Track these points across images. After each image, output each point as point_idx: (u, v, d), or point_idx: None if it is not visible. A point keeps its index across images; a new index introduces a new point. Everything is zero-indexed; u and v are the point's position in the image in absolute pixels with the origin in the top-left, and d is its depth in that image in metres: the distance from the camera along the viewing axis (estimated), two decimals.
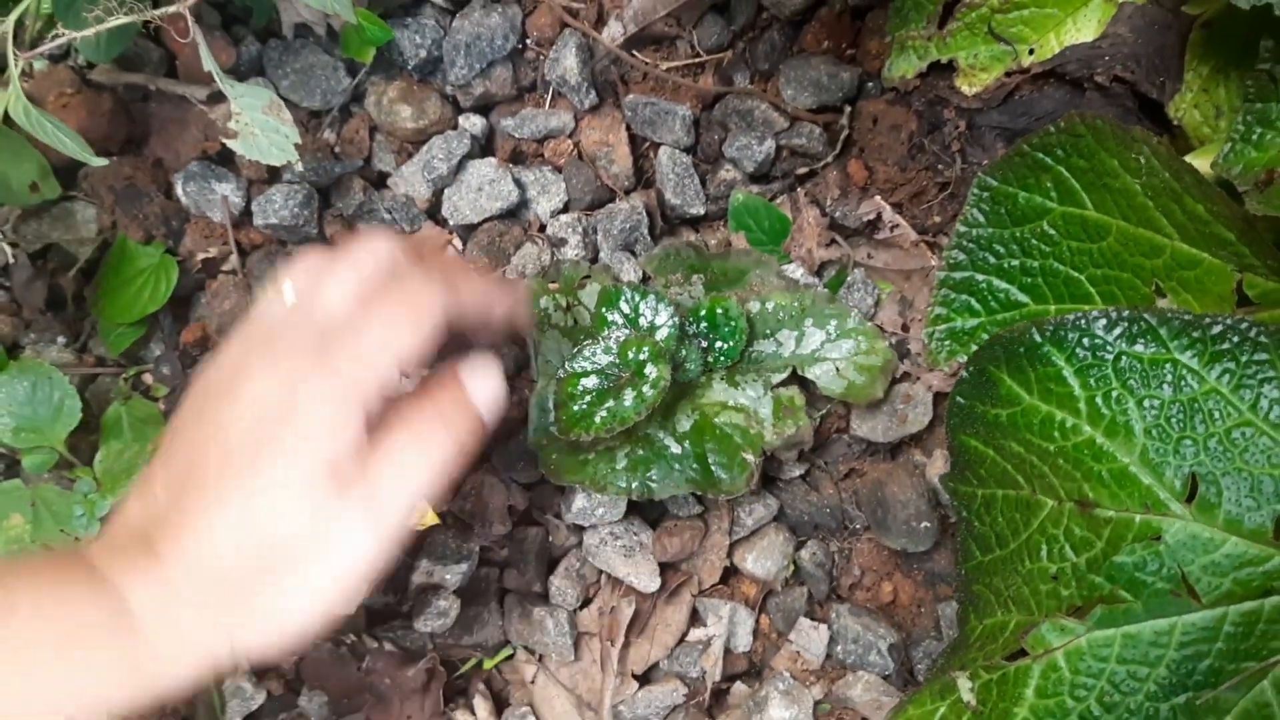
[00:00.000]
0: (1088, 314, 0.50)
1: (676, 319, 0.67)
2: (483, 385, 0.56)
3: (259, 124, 0.63)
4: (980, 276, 0.65)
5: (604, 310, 0.69)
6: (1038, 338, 0.51)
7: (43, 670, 0.46)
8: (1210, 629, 0.47)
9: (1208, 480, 0.47)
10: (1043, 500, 0.52)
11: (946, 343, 0.67)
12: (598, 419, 0.64)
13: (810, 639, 0.71)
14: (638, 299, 0.68)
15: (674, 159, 0.74)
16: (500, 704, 0.74)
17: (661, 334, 0.67)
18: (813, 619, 0.71)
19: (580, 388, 0.66)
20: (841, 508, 0.73)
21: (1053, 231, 0.63)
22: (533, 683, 0.73)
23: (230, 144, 0.64)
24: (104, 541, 0.51)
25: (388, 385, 0.51)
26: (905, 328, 0.72)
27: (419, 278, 0.55)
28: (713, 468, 0.66)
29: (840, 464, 0.73)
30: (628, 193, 0.76)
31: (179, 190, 0.76)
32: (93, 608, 0.48)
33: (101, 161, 0.64)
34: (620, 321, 0.68)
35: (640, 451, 0.67)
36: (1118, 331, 0.49)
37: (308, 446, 0.49)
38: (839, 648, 0.71)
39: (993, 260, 0.65)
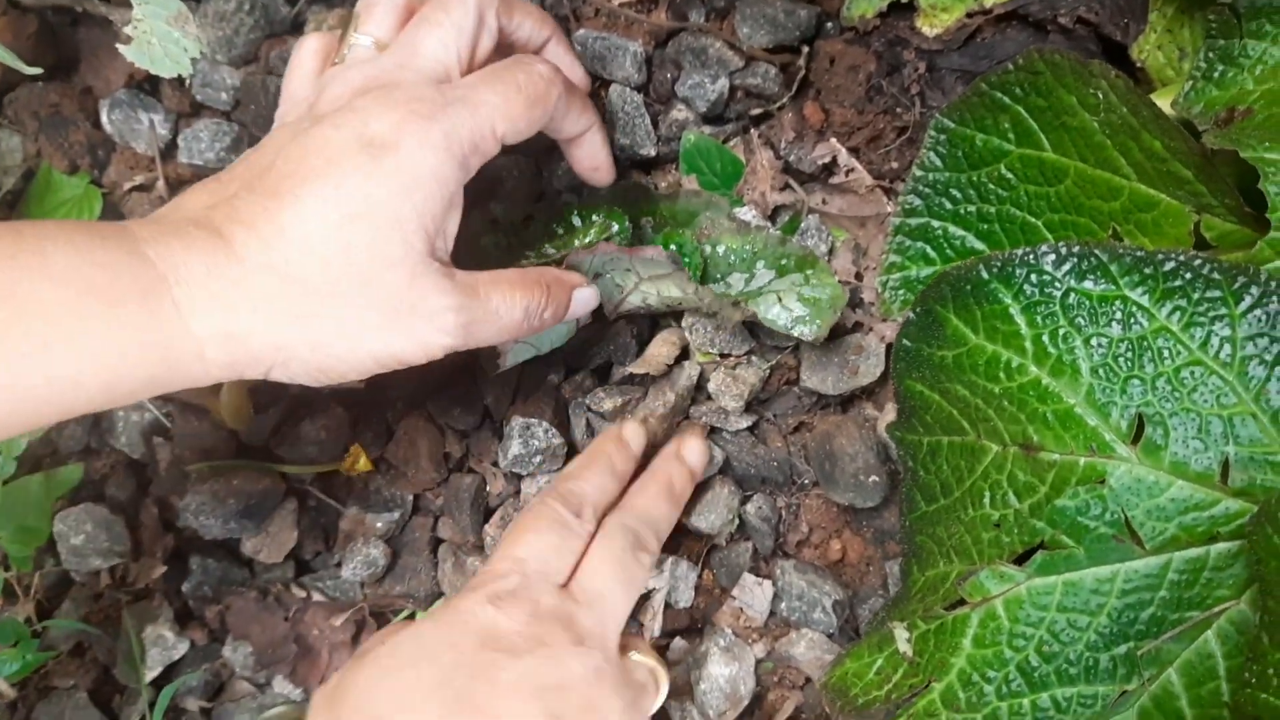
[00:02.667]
0: (1036, 249, 0.48)
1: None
2: (582, 295, 0.61)
3: (159, 33, 0.61)
4: (936, 223, 0.64)
5: (554, 225, 0.67)
6: (985, 274, 0.49)
7: (69, 324, 0.44)
8: (1154, 576, 0.46)
9: (1155, 421, 0.46)
10: (987, 445, 0.50)
11: (900, 292, 0.65)
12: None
13: (754, 595, 0.69)
14: (590, 213, 0.66)
15: (624, 97, 0.72)
16: None
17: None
18: (757, 575, 0.70)
19: None
20: (790, 462, 0.71)
21: (1010, 175, 0.61)
22: None
23: (123, 50, 0.61)
24: (153, 223, 0.49)
25: (487, 155, 0.53)
26: (859, 276, 0.70)
27: (547, 65, 0.57)
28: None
29: (789, 417, 0.72)
30: None
31: (104, 118, 0.74)
32: (129, 273, 0.46)
33: (35, 70, 0.61)
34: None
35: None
36: (1067, 267, 0.48)
37: (412, 188, 0.49)
38: (783, 604, 0.69)
39: (949, 206, 0.63)
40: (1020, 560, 0.48)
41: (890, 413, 0.70)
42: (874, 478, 0.68)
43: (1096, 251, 0.47)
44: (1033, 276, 0.49)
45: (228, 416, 0.69)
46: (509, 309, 0.55)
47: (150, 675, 0.72)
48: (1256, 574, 0.45)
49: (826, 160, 0.69)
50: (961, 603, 0.48)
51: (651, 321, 0.72)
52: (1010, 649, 0.47)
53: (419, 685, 0.48)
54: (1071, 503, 0.47)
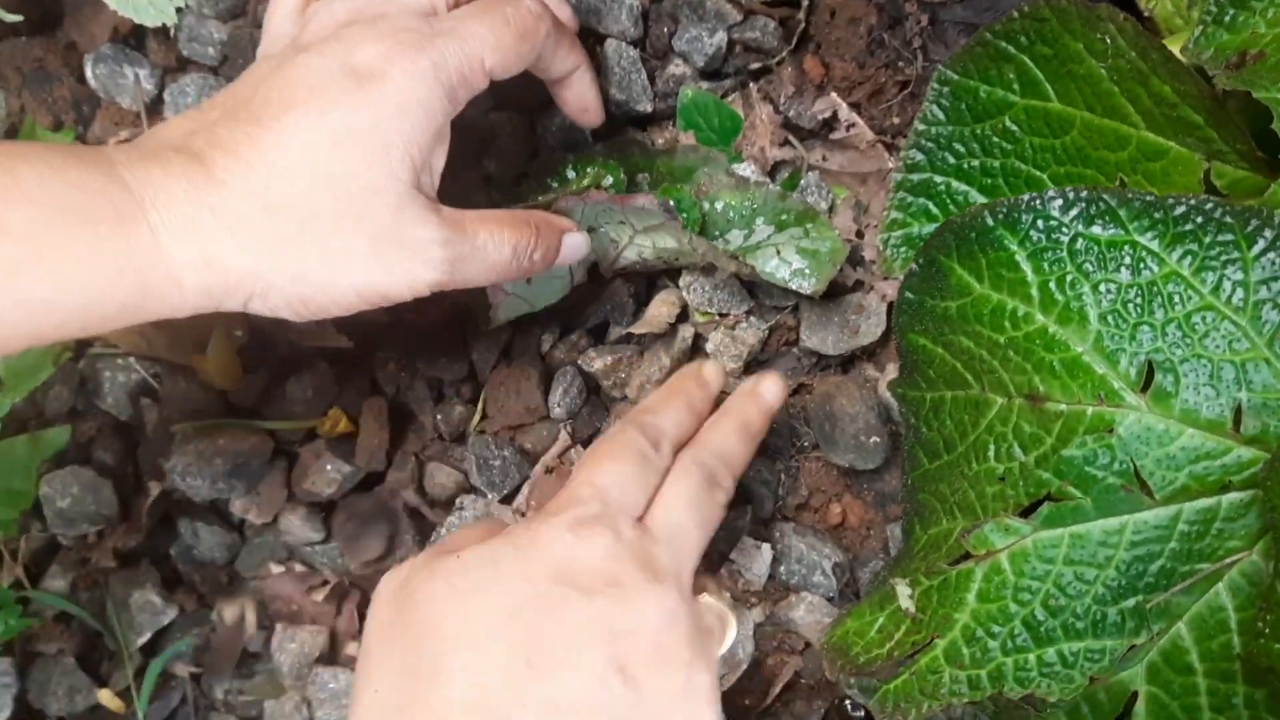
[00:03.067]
0: (1043, 194, 0.47)
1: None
2: (573, 241, 0.59)
3: None
4: (939, 179, 0.63)
5: (548, 180, 0.66)
6: (990, 221, 0.48)
7: (41, 243, 0.43)
8: (1163, 528, 0.45)
9: (1164, 368, 0.45)
10: (992, 398, 0.49)
11: (902, 249, 0.64)
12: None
13: (753, 559, 0.68)
14: (585, 166, 0.65)
15: (620, 52, 0.71)
16: None
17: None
18: (756, 538, 0.69)
19: None
20: (790, 424, 0.70)
21: (1015, 128, 0.60)
22: None
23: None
24: (131, 148, 0.48)
25: (475, 90, 0.52)
26: (860, 234, 0.69)
27: (536, 0, 0.56)
28: None
29: (789, 378, 0.71)
30: None
31: (89, 73, 0.72)
32: (104, 195, 0.45)
33: (15, 18, 0.60)
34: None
35: None
36: (1074, 212, 0.47)
37: (398, 116, 0.49)
38: (782, 568, 0.68)
39: (952, 161, 0.62)
40: (1026, 514, 0.47)
41: (891, 372, 0.69)
42: (875, 438, 0.66)
43: (1105, 196, 0.46)
44: (1039, 222, 0.47)
45: (215, 375, 0.68)
46: (497, 246, 0.53)
47: (139, 641, 0.71)
48: (1270, 522, 0.44)
49: (826, 115, 0.68)
50: (966, 557, 0.47)
51: (649, 281, 0.71)
52: (1016, 603, 0.46)
53: (487, 615, 0.47)
54: (1079, 452, 0.45)
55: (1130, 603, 0.45)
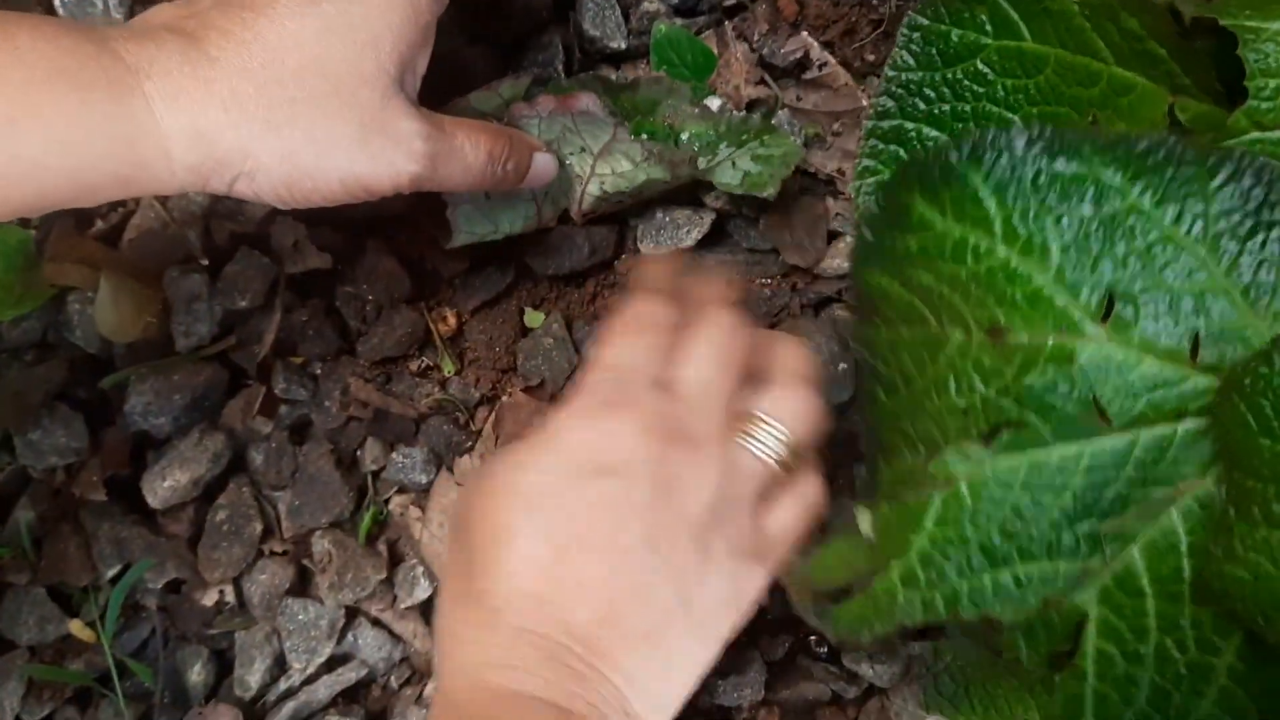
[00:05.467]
0: (1008, 130, 0.47)
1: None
2: (543, 160, 0.60)
3: None
4: (910, 125, 0.63)
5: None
6: (954, 158, 0.48)
7: (35, 102, 0.44)
8: (1120, 454, 0.46)
9: (1125, 299, 0.45)
10: (951, 334, 0.50)
11: (874, 196, 0.64)
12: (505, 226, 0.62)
13: None
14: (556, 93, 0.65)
15: None
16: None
17: None
18: None
19: None
20: None
21: (987, 70, 0.60)
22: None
23: None
24: (123, 28, 0.48)
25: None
26: (840, 171, 0.69)
27: None
28: None
29: (763, 318, 0.71)
30: (544, 26, 0.72)
31: (57, 1, 0.72)
32: (98, 63, 0.45)
33: None
34: None
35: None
36: (1038, 148, 0.47)
37: (389, 11, 0.50)
38: None
39: (923, 106, 0.62)
40: (987, 441, 0.47)
41: None
42: (842, 365, 0.67)
43: (1069, 133, 0.47)
44: (1003, 158, 0.48)
45: (107, 327, 0.68)
46: (473, 149, 0.55)
47: (109, 573, 0.71)
48: (1223, 446, 0.45)
49: (799, 55, 0.68)
50: (927, 483, 0.48)
51: (619, 236, 0.71)
52: (973, 527, 0.47)
53: (517, 513, 0.49)
54: (1039, 381, 0.46)
55: (1085, 527, 0.46)
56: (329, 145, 0.49)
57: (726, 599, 0.51)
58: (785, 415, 0.54)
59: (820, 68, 0.68)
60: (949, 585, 0.47)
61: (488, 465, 0.52)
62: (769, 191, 0.65)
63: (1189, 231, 0.45)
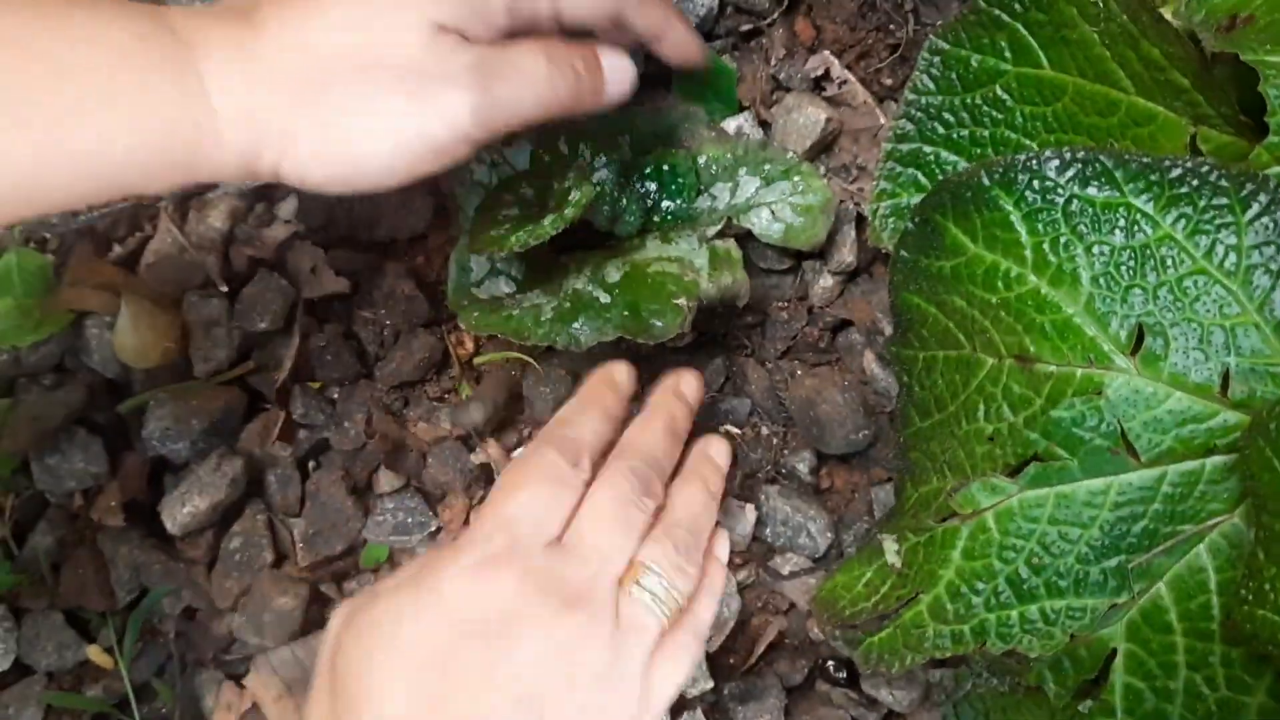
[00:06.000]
0: (1040, 154, 0.47)
1: (616, 162, 0.64)
2: (616, 64, 0.57)
3: None
4: (928, 149, 0.63)
5: (540, 151, 0.66)
6: (986, 181, 0.48)
7: (102, 86, 0.44)
8: (1148, 489, 0.46)
9: (1155, 331, 0.45)
10: (983, 358, 0.49)
11: (891, 220, 0.64)
12: (513, 238, 0.59)
13: (737, 519, 0.69)
14: (577, 140, 0.65)
15: None
16: None
17: (600, 175, 0.63)
18: (740, 499, 0.69)
19: (501, 215, 0.63)
20: (774, 391, 0.70)
21: (1006, 96, 0.60)
22: None
23: None
24: (183, 8, 0.48)
25: None
26: (861, 189, 0.69)
27: None
28: (644, 313, 0.62)
29: (777, 342, 0.71)
30: None
31: None
32: (157, 41, 0.45)
33: None
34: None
35: (567, 305, 0.63)
36: (1070, 173, 0.47)
37: None
38: (767, 530, 0.69)
39: (941, 131, 0.62)
40: (1013, 473, 0.47)
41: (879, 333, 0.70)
42: (864, 432, 0.67)
43: (1101, 157, 0.46)
44: (1035, 183, 0.47)
45: (128, 353, 0.68)
46: (531, 56, 0.51)
47: (126, 599, 0.71)
48: (1250, 489, 0.44)
49: (820, 73, 0.68)
50: (953, 515, 0.48)
51: None
52: (1000, 561, 0.47)
53: (391, 669, 0.46)
54: (1067, 414, 0.46)
55: (1113, 562, 0.46)
56: (370, 101, 0.47)
57: None
58: (668, 566, 0.51)
59: (840, 85, 0.68)
60: (977, 618, 0.47)
61: (367, 603, 0.48)
62: (816, 242, 0.65)
63: (1221, 264, 0.44)
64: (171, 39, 0.45)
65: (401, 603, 0.47)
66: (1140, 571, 0.46)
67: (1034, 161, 0.47)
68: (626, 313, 0.62)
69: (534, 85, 0.51)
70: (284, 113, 0.47)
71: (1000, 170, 0.48)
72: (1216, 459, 0.45)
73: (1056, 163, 0.47)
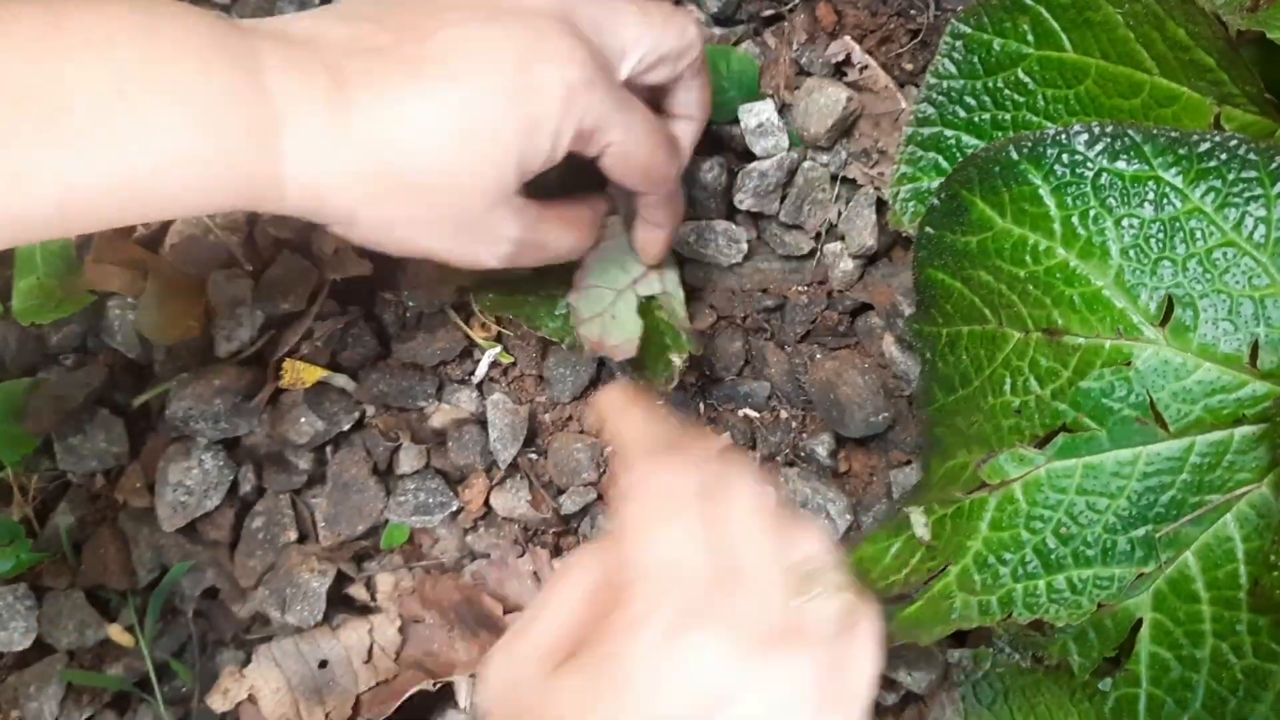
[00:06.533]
0: (1069, 129, 0.48)
1: None
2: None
3: None
4: (949, 132, 0.63)
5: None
6: (1014, 155, 0.49)
7: (178, 158, 0.44)
8: (1176, 459, 0.46)
9: (1184, 303, 0.45)
10: (1009, 333, 0.50)
11: (911, 203, 0.64)
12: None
13: None
14: None
15: None
16: None
17: None
18: (760, 481, 0.69)
19: None
20: (794, 375, 0.71)
21: (1028, 79, 0.60)
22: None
23: None
24: (283, 45, 0.47)
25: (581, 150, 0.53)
26: (883, 175, 0.69)
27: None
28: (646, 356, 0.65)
29: (797, 326, 0.71)
30: None
31: None
32: (245, 106, 0.45)
33: None
34: None
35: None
36: (1100, 147, 0.47)
37: (534, 133, 0.49)
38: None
39: (963, 114, 0.62)
40: (1041, 444, 0.47)
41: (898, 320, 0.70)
42: (883, 414, 0.67)
43: (1130, 131, 0.47)
44: (1064, 156, 0.48)
45: (149, 328, 0.69)
46: (557, 242, 0.57)
47: (147, 578, 0.71)
48: (1277, 459, 0.44)
49: (841, 58, 0.68)
50: (981, 486, 0.48)
51: None
52: (1027, 531, 0.47)
53: None
54: (1096, 385, 0.46)
55: (1140, 532, 0.46)
56: (425, 231, 0.51)
57: None
58: (822, 550, 0.45)
59: (861, 70, 0.68)
60: (1005, 588, 0.47)
61: (537, 698, 0.41)
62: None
63: (1250, 236, 0.45)
64: (262, 102, 0.45)
65: (587, 691, 0.40)
66: (1167, 541, 0.46)
67: (1063, 136, 0.48)
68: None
69: (556, 253, 0.57)
70: (351, 199, 0.48)
71: (1029, 145, 0.48)
72: (1245, 429, 0.46)
73: (1085, 136, 0.47)
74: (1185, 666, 0.47)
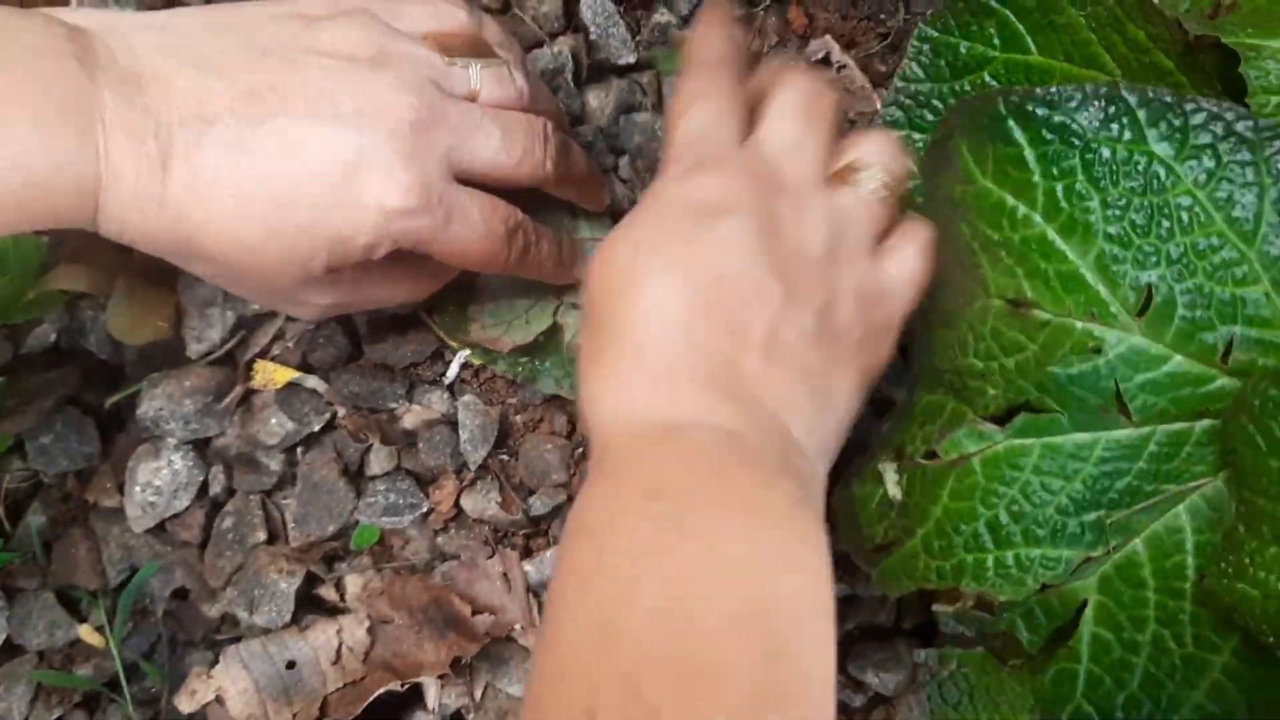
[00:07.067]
0: (1061, 88, 0.46)
1: None
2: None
3: None
4: (917, 136, 0.63)
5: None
6: (1002, 109, 0.47)
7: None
8: (1134, 446, 0.46)
9: (1162, 292, 0.45)
10: (975, 291, 0.49)
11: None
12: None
13: None
14: None
15: (595, 8, 0.71)
16: None
17: None
18: None
19: None
20: None
21: (994, 82, 0.61)
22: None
23: None
24: (124, 100, 0.48)
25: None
26: None
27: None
28: None
29: None
30: (554, 36, 0.73)
31: (72, 5, 0.72)
32: (73, 167, 0.47)
33: None
34: None
35: (542, 339, 0.66)
36: (1091, 111, 0.46)
37: (366, 215, 0.51)
38: None
39: (930, 118, 0.63)
40: (1002, 421, 0.47)
41: None
42: None
43: (1124, 94, 0.45)
44: (1054, 119, 0.46)
45: (118, 329, 0.69)
46: (388, 295, 0.60)
47: (118, 578, 0.71)
48: (1231, 462, 0.44)
49: (819, 57, 0.68)
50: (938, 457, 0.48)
51: None
52: (982, 505, 0.47)
53: (656, 268, 0.47)
54: (1064, 370, 0.46)
55: (1091, 516, 0.46)
56: (232, 286, 0.56)
57: (864, 335, 0.50)
58: (881, 157, 0.53)
59: (839, 69, 0.68)
60: (957, 557, 0.47)
61: (603, 242, 0.50)
62: None
63: (1238, 226, 0.44)
64: (87, 159, 0.47)
65: (632, 216, 0.50)
66: (1118, 527, 0.46)
67: (1055, 94, 0.47)
68: None
69: (390, 304, 0.64)
70: (158, 252, 0.52)
71: (1017, 100, 0.47)
72: (1206, 422, 0.45)
73: (1077, 98, 0.46)
74: (1126, 649, 0.47)
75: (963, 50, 0.61)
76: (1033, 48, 0.59)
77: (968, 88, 0.61)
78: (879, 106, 0.68)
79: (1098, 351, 0.46)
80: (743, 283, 0.47)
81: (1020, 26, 0.59)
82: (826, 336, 0.48)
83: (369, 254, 0.52)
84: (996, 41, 0.60)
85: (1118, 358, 0.46)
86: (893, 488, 0.49)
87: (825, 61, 0.68)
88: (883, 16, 0.69)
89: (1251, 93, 0.50)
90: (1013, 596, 0.47)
